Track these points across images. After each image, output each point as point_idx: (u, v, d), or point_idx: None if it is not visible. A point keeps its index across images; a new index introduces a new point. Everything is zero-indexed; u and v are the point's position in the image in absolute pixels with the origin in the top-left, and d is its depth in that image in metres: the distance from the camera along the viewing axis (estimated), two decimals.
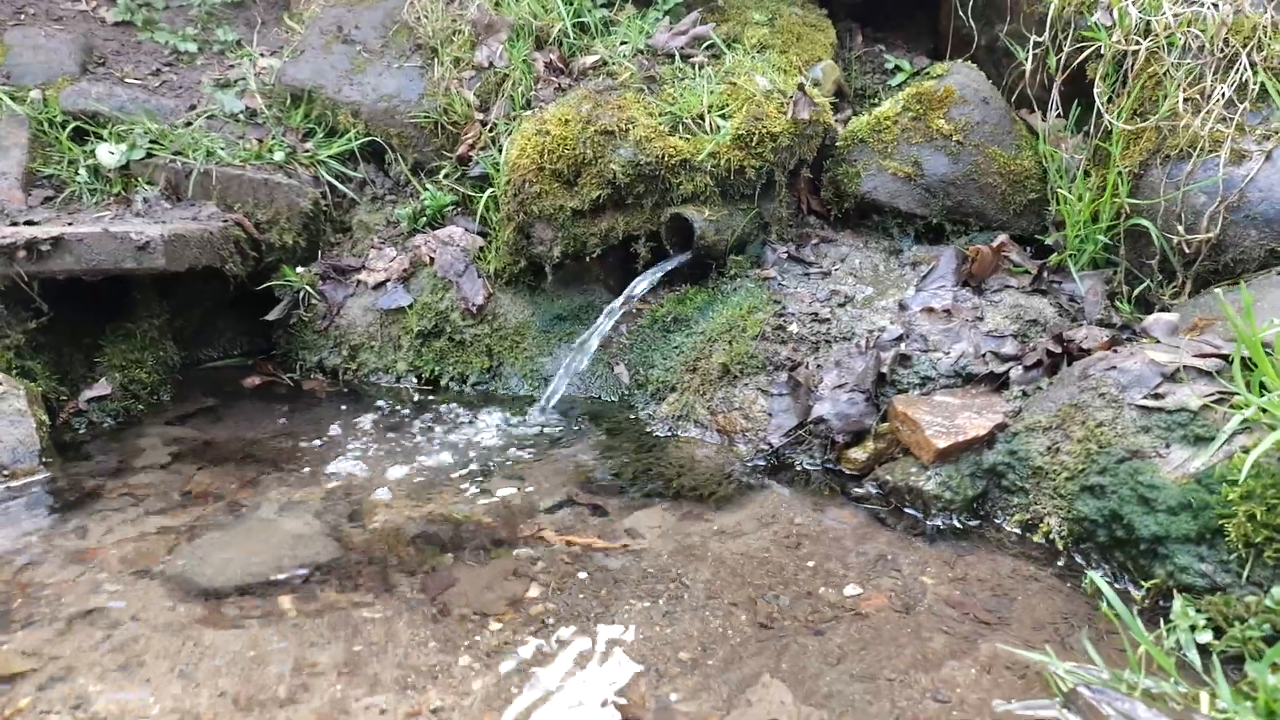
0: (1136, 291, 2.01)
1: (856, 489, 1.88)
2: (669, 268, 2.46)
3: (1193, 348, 1.59)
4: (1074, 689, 1.15)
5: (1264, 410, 1.35)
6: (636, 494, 1.92)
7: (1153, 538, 1.40)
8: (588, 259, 2.59)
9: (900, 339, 2.03)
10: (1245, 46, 1.88)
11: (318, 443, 2.19)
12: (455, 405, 2.45)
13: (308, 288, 2.66)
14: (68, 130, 2.69)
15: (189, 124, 2.80)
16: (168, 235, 2.25)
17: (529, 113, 2.66)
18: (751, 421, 2.10)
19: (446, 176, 2.83)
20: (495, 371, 2.60)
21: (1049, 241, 2.27)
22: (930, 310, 2.09)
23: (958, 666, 1.31)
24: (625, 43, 2.77)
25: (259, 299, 2.73)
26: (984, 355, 1.94)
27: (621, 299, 2.44)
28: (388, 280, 2.66)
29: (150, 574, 1.57)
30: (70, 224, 2.24)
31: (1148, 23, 2.01)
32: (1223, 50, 1.90)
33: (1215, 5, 1.90)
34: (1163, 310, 1.97)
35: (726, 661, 1.35)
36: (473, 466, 2.06)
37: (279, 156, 2.72)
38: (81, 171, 2.61)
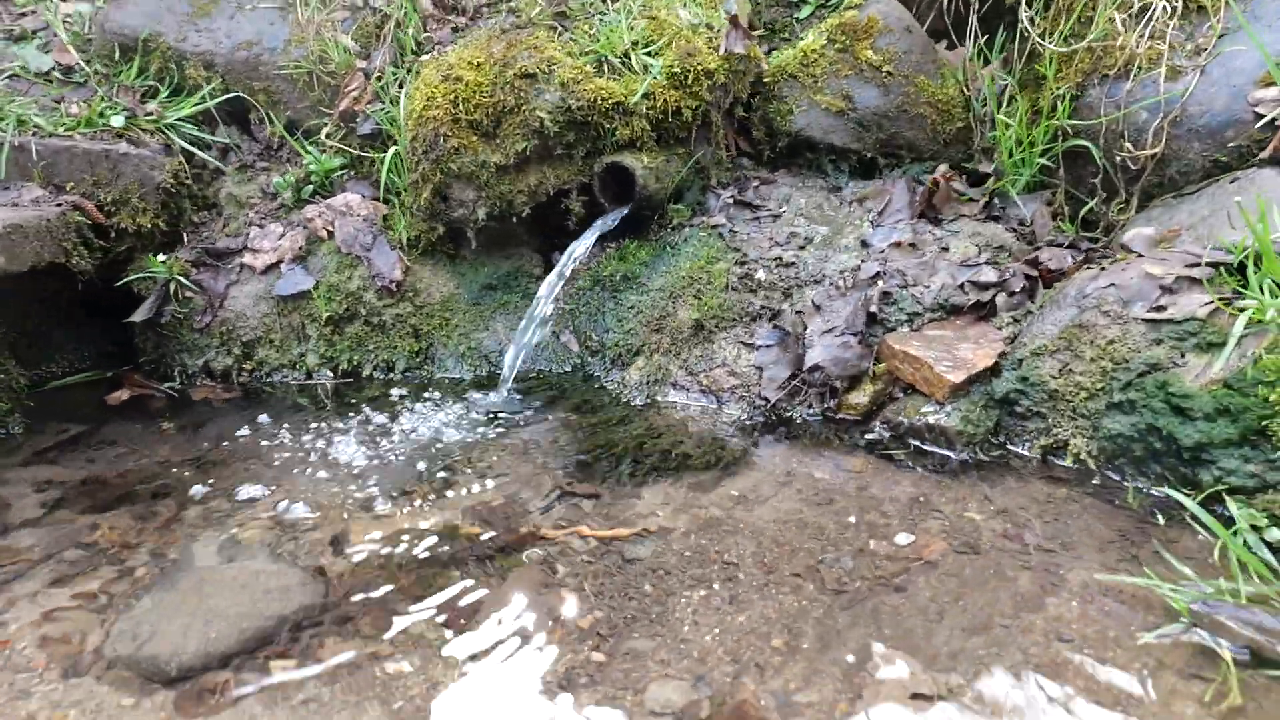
0: (1083, 212, 2.09)
1: (866, 434, 1.83)
2: (610, 223, 2.27)
3: (1181, 258, 1.66)
4: (1194, 608, 1.16)
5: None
6: (632, 472, 1.75)
7: (1195, 445, 1.44)
8: (514, 219, 2.33)
9: (877, 276, 1.99)
10: None
11: (241, 463, 1.83)
12: (390, 397, 2.14)
13: (179, 278, 2.20)
14: None
15: None
16: (6, 226, 1.75)
17: (425, 57, 2.33)
18: (738, 377, 1.98)
19: (329, 136, 2.43)
20: (426, 354, 2.29)
21: (984, 169, 2.30)
22: (898, 245, 2.06)
23: (1058, 602, 1.28)
24: None
25: (105, 299, 2.24)
26: (962, 285, 1.94)
27: (566, 260, 2.22)
28: (280, 261, 2.26)
29: (85, 664, 1.22)
30: None
31: None
32: None
33: None
34: (1109, 226, 2.05)
35: (823, 639, 1.24)
36: (441, 465, 1.80)
37: (117, 121, 2.21)
38: None
